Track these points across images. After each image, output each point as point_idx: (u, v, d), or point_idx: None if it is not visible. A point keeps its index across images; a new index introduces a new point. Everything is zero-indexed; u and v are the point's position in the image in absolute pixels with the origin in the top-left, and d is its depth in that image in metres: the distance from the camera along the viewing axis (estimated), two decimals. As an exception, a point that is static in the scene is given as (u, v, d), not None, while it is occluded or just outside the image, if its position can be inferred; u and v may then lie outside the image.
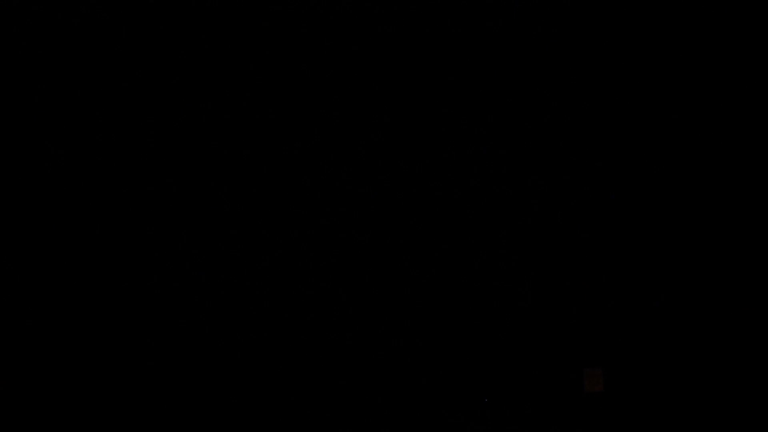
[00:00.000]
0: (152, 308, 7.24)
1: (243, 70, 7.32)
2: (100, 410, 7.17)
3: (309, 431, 7.35)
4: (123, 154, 7.15)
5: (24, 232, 7.14)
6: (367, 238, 7.58)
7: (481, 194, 7.52)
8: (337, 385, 7.32)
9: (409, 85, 7.51)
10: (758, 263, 7.37)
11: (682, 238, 7.46)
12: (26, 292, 7.11)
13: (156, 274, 7.25)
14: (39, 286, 7.14)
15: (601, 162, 7.53)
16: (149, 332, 7.24)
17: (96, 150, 7.17)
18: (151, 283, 7.23)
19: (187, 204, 7.20)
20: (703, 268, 7.46)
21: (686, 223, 7.56)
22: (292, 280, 7.54)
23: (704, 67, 7.44)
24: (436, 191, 7.51)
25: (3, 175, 7.12)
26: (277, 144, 7.37)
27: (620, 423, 7.52)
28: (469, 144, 7.50)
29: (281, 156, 7.40)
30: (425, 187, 7.56)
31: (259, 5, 7.24)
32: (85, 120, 7.17)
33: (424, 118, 7.59)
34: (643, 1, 7.35)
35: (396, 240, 7.40)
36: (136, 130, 7.20)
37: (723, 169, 7.55)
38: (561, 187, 7.53)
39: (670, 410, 7.42)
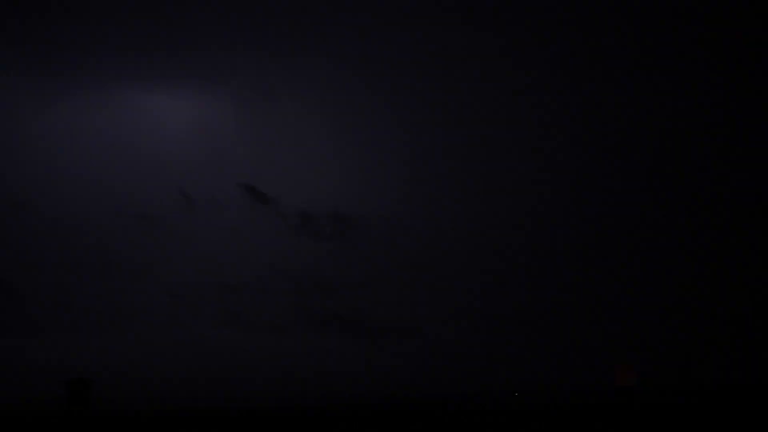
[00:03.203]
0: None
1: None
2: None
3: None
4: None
5: None
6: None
7: (519, 203, 7.44)
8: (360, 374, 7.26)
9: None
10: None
11: (718, 238, 7.37)
12: None
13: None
14: None
15: (608, 177, 7.46)
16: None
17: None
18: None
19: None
20: (741, 268, 7.39)
21: (719, 225, 7.46)
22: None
23: None
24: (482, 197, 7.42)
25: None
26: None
27: (651, 417, 7.35)
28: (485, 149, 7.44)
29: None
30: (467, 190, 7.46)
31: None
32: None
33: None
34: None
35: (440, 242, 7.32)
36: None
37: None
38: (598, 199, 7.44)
39: (700, 406, 7.26)
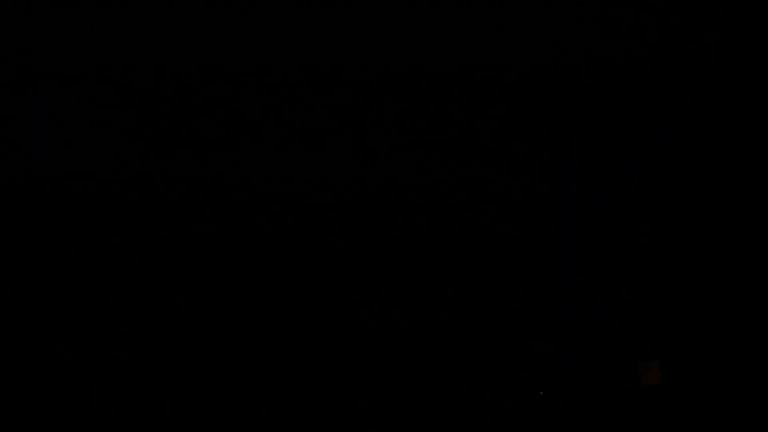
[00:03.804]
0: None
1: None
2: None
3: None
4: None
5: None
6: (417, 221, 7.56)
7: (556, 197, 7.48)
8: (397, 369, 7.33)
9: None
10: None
11: (741, 234, 7.42)
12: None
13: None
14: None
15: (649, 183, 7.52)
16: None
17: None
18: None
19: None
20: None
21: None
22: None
23: None
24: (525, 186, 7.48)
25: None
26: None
27: (677, 416, 7.39)
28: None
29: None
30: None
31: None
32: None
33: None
34: None
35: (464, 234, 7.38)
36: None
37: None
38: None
39: (728, 404, 7.31)
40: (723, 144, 7.58)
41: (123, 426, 7.05)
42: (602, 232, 7.44)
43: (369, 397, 7.37)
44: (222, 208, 7.57)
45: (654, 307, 7.41)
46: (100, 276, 7.40)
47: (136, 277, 7.44)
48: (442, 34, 7.41)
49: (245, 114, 7.47)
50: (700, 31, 7.47)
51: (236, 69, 7.34)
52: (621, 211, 7.44)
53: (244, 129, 7.52)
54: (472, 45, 7.44)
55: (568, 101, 7.49)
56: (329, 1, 7.43)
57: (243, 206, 7.53)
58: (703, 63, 7.38)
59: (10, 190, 7.31)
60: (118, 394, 7.25)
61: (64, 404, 7.13)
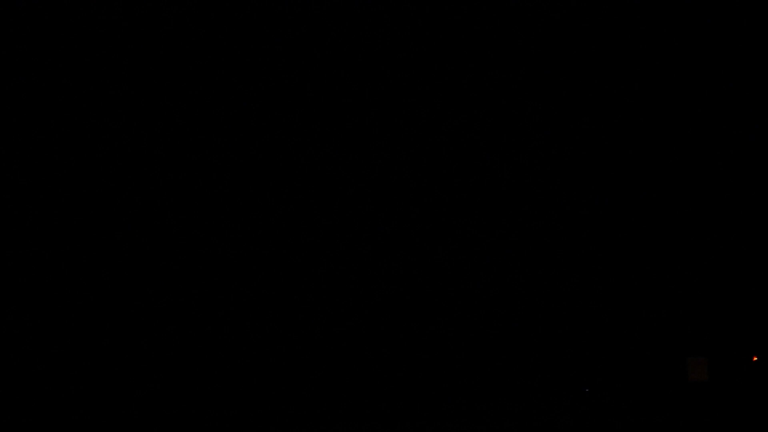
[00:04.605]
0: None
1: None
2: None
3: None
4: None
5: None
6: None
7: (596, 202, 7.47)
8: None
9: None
10: None
11: None
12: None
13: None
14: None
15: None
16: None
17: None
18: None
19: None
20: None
21: None
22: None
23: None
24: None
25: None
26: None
27: (725, 412, 7.32)
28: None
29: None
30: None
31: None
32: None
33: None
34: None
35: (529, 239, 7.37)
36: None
37: None
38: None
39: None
40: (723, 144, 7.58)
41: (123, 426, 7.05)
42: (602, 233, 7.44)
43: (369, 397, 7.38)
44: (221, 209, 7.56)
45: (655, 306, 7.43)
46: (99, 276, 7.39)
47: (136, 277, 7.43)
48: (442, 34, 7.41)
49: (246, 113, 7.47)
50: (700, 31, 7.48)
51: (236, 69, 7.33)
52: (621, 211, 7.44)
53: (244, 129, 7.51)
54: (472, 44, 7.43)
55: (568, 100, 7.49)
56: (329, 1, 7.43)
57: (243, 206, 7.52)
58: (702, 63, 7.38)
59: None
60: (118, 394, 7.24)
61: (64, 404, 7.12)
